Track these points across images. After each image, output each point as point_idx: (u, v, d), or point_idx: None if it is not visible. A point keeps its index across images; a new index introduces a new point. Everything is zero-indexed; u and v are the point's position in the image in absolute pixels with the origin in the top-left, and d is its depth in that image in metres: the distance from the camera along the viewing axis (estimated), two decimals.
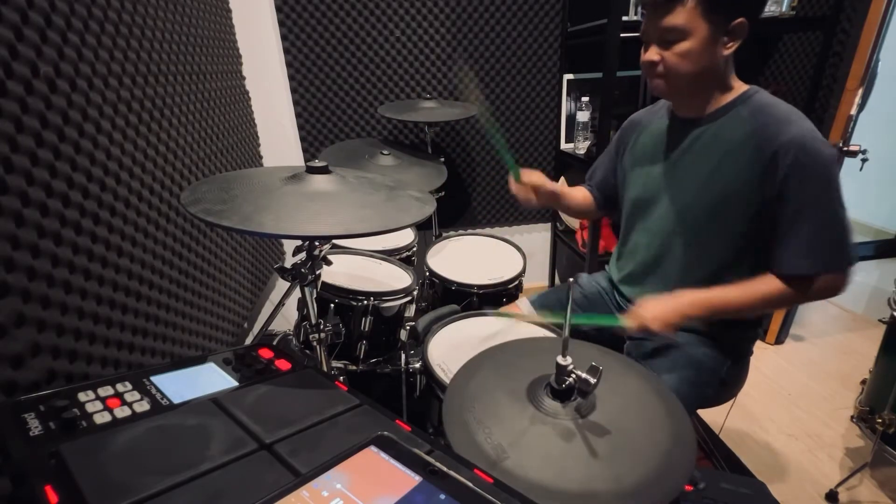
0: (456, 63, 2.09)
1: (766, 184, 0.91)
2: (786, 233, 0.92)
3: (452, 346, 1.03)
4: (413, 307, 1.35)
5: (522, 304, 1.31)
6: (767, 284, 0.95)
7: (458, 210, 2.44)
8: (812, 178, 0.88)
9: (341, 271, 1.34)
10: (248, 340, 1.75)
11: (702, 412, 1.46)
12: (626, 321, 0.96)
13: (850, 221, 0.90)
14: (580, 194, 1.33)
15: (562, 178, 2.37)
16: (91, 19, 0.91)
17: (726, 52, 0.91)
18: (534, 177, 1.13)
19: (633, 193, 1.15)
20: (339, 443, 0.56)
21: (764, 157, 0.90)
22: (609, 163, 1.26)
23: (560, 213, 2.42)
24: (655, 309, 0.95)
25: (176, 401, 0.62)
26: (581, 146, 2.18)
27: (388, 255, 1.51)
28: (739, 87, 0.98)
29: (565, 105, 2.27)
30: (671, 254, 1.07)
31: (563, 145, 2.33)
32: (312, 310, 0.97)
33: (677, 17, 0.87)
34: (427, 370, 0.94)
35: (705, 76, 0.94)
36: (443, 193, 1.78)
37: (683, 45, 0.89)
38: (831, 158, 0.88)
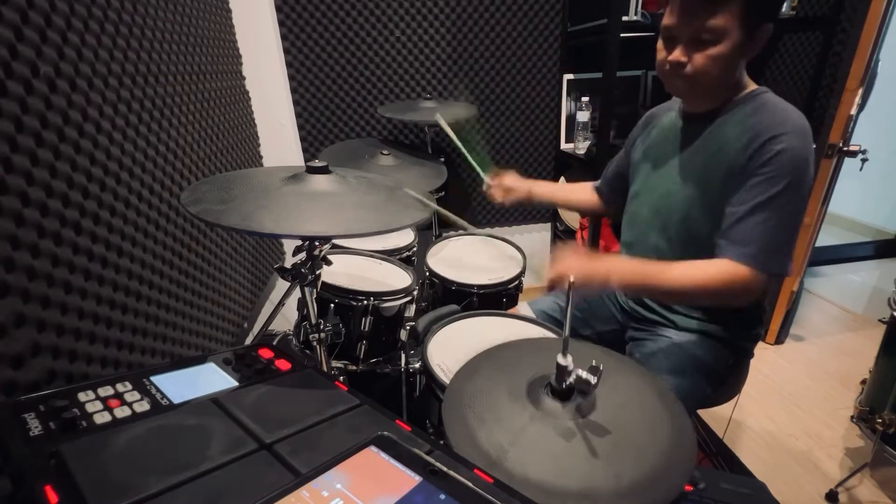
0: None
1: (749, 169, 0.91)
2: (746, 219, 0.90)
3: (452, 346, 1.03)
4: (413, 307, 1.35)
5: (523, 308, 1.31)
6: (716, 267, 0.92)
7: (458, 210, 2.43)
8: (786, 177, 0.88)
9: (341, 271, 1.34)
10: (248, 340, 1.75)
11: (702, 412, 1.46)
12: (546, 268, 0.94)
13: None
14: (581, 193, 1.36)
15: (562, 178, 2.37)
16: (91, 19, 0.91)
17: (749, 57, 0.93)
18: (506, 179, 1.20)
19: (637, 186, 1.16)
20: (339, 443, 0.56)
21: (752, 149, 0.91)
22: (623, 156, 1.27)
23: (560, 212, 2.41)
24: (576, 264, 0.92)
25: (176, 401, 0.62)
26: (581, 146, 2.18)
27: (388, 255, 1.51)
28: (750, 86, 0.99)
29: (565, 105, 2.27)
30: (670, 251, 1.06)
31: (563, 145, 2.33)
32: (312, 310, 0.97)
33: (719, 20, 0.86)
34: (427, 370, 0.94)
35: (727, 79, 0.94)
36: (443, 193, 1.78)
37: (716, 49, 0.88)
38: (807, 163, 0.89)
